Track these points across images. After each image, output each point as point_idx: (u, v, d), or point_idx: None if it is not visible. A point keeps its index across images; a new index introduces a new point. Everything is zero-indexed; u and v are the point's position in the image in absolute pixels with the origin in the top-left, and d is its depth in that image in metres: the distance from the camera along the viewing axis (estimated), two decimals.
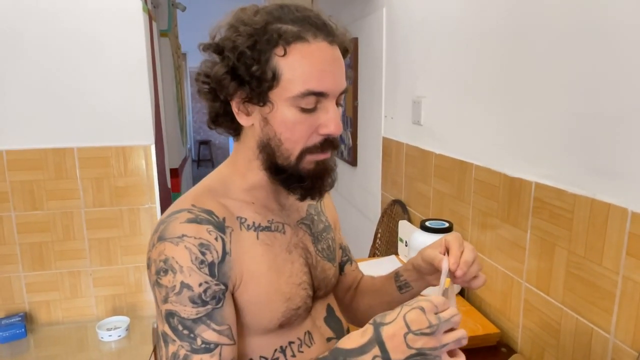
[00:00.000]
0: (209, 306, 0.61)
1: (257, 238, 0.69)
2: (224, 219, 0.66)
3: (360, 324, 0.90)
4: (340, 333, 0.80)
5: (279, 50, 0.63)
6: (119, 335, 1.78)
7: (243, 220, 0.69)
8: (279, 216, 0.74)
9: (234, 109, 0.68)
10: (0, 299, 1.89)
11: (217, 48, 0.66)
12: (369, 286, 0.91)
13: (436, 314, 0.57)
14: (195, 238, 0.62)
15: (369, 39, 2.23)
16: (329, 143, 0.67)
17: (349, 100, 2.56)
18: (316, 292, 0.77)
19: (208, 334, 0.60)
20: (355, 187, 2.60)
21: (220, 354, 0.61)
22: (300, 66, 0.63)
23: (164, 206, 2.07)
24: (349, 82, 2.54)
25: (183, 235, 0.61)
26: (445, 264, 0.70)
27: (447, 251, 0.73)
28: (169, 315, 0.61)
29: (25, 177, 1.83)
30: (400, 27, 1.89)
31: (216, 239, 0.63)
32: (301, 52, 0.63)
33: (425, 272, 0.78)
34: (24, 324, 1.82)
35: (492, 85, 1.27)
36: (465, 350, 1.16)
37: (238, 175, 0.72)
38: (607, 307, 0.90)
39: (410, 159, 1.83)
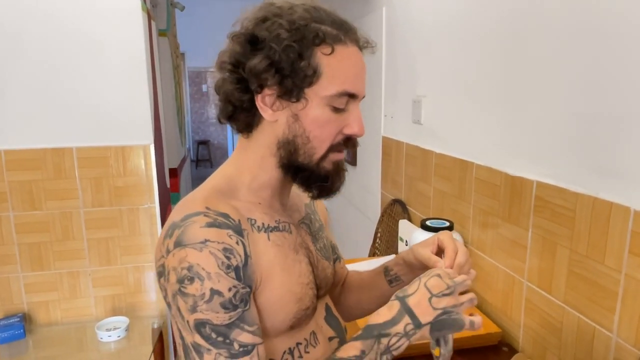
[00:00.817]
0: (239, 310, 0.61)
1: (269, 239, 0.68)
2: (239, 221, 0.65)
3: (348, 319, 0.91)
4: (339, 331, 0.80)
5: (325, 49, 0.64)
6: (119, 336, 1.78)
7: (253, 221, 0.68)
8: (284, 216, 0.74)
9: (259, 103, 0.66)
10: None
11: (253, 38, 0.64)
12: (356, 282, 0.92)
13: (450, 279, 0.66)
14: (218, 243, 0.60)
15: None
16: (351, 143, 0.70)
17: None
18: (319, 292, 0.77)
19: (244, 336, 0.60)
20: (355, 187, 2.60)
21: (258, 354, 0.62)
22: (341, 67, 0.65)
23: (163, 206, 2.06)
24: None
25: (206, 241, 0.60)
26: (440, 266, 0.73)
27: (439, 250, 0.77)
28: (200, 325, 0.59)
29: (24, 177, 1.82)
30: (400, 26, 1.88)
31: (237, 243, 0.62)
32: (342, 54, 0.65)
33: (416, 268, 0.80)
34: (22, 324, 1.81)
35: (493, 84, 1.27)
36: (466, 349, 1.17)
37: (246, 174, 0.71)
38: (609, 306, 0.90)
39: (411, 158, 1.83)
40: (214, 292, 0.59)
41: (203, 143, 8.50)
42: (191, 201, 0.66)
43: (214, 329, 0.59)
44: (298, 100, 0.65)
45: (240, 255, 0.62)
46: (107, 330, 1.79)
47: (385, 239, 2.02)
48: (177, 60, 3.46)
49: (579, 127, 0.96)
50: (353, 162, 2.59)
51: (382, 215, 2.08)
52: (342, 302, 0.93)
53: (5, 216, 1.83)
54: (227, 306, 0.59)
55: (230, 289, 0.60)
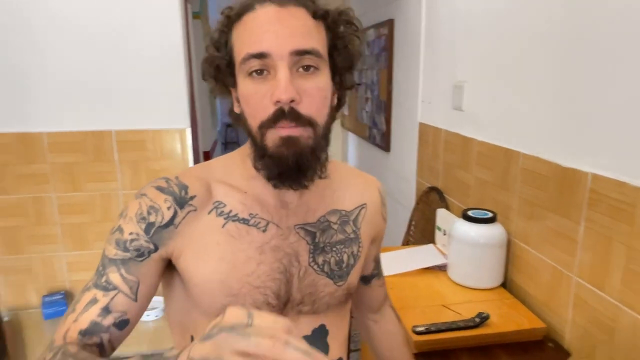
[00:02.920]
0: (128, 254, 0.63)
1: (222, 227, 0.66)
2: (192, 197, 0.66)
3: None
4: None
5: (236, 25, 0.63)
6: (156, 316, 1.82)
7: (220, 205, 0.67)
8: (270, 213, 0.69)
9: (233, 101, 0.68)
10: (44, 277, 1.94)
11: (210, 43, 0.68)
12: (386, 347, 0.92)
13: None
14: (150, 200, 0.65)
15: (406, 21, 2.16)
16: (281, 113, 0.59)
17: (383, 84, 2.51)
18: (287, 304, 0.70)
19: (114, 276, 0.63)
20: (388, 173, 2.56)
21: (112, 298, 0.62)
22: (243, 33, 0.62)
23: None
24: (382, 65, 2.49)
25: (143, 195, 0.66)
26: None
27: None
28: (104, 251, 0.65)
29: (66, 159, 1.87)
30: (441, 8, 1.81)
31: (168, 208, 0.65)
32: (245, 22, 0.62)
33: None
34: (65, 301, 1.87)
35: (543, 69, 1.21)
36: (509, 343, 1.14)
37: (240, 162, 0.70)
38: None
39: (449, 145, 1.78)
40: (118, 228, 0.64)
41: (231, 126, 8.56)
42: (180, 171, 0.71)
43: (103, 258, 0.65)
44: (235, 85, 0.65)
45: (163, 218, 0.64)
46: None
47: (420, 228, 1.99)
48: None
49: None
50: (386, 148, 2.55)
51: (417, 203, 2.04)
52: (371, 338, 0.93)
53: (48, 197, 1.88)
54: (120, 245, 0.63)
55: (131, 234, 0.64)
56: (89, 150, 1.87)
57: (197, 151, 2.22)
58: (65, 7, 1.75)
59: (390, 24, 2.35)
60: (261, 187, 0.68)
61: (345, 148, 3.96)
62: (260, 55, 0.59)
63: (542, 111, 1.23)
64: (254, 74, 0.61)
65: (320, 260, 0.71)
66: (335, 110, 0.69)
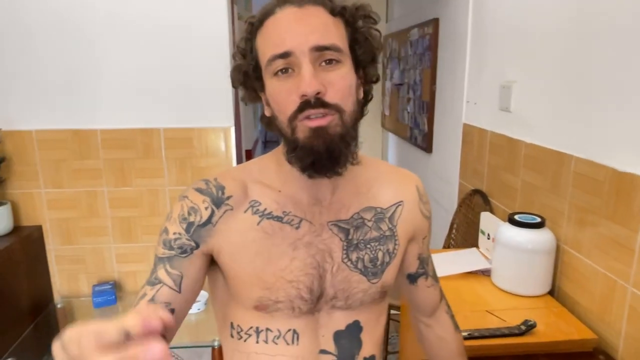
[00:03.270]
0: (172, 252, 0.68)
1: (258, 224, 0.70)
2: (229, 197, 0.70)
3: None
4: (345, 354, 0.74)
5: (260, 31, 0.66)
6: (198, 309, 1.87)
7: (256, 203, 0.71)
8: (303, 211, 0.71)
9: (264, 106, 0.71)
10: (94, 267, 2.04)
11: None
12: (436, 354, 0.91)
13: None
14: (191, 202, 0.69)
15: (452, 19, 2.12)
16: (306, 104, 0.62)
17: (426, 84, 2.47)
18: (320, 299, 0.72)
19: (161, 272, 0.67)
20: (429, 175, 2.52)
21: (157, 291, 0.66)
22: (266, 37, 0.65)
23: None
24: (425, 65, 2.45)
25: (185, 197, 0.70)
26: None
27: None
28: (155, 251, 0.70)
29: (117, 155, 1.95)
30: (489, 6, 1.77)
31: (206, 208, 0.69)
32: (267, 26, 0.65)
33: None
34: (114, 291, 1.96)
35: (599, 69, 1.15)
36: (557, 354, 1.10)
37: (275, 162, 0.73)
38: None
39: (495, 147, 1.74)
40: (164, 230, 0.69)
41: None
42: (219, 172, 0.75)
43: (154, 259, 0.69)
44: (264, 88, 0.68)
45: (201, 217, 0.69)
46: None
47: (462, 231, 1.95)
48: None
49: None
50: (428, 149, 2.51)
51: (459, 206, 2.00)
52: (423, 343, 0.92)
53: (100, 191, 1.97)
54: (166, 245, 0.68)
55: (175, 233, 0.68)
56: (138, 147, 1.95)
57: (240, 149, 2.26)
58: (118, 10, 1.83)
59: (435, 23, 2.31)
60: (295, 186, 0.71)
61: (385, 148, 3.93)
62: (284, 55, 0.62)
63: (595, 113, 1.17)
64: (279, 73, 0.63)
65: (354, 256, 0.72)
66: (363, 104, 0.71)
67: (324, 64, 0.63)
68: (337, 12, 0.65)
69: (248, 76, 0.69)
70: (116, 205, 1.99)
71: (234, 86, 0.73)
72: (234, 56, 0.71)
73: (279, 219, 0.70)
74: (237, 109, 2.18)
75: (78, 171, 1.95)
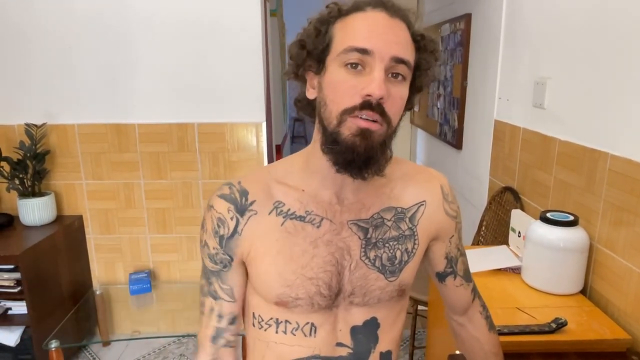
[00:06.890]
0: (218, 267, 0.74)
1: (281, 225, 0.72)
2: (252, 202, 0.72)
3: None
4: (361, 348, 0.76)
5: (341, 19, 0.67)
6: None
7: (280, 204, 0.73)
8: (324, 209, 0.73)
9: (307, 86, 0.72)
10: (131, 256, 2.13)
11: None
12: (469, 353, 0.92)
13: None
14: (217, 212, 0.73)
15: (485, 15, 2.10)
16: (367, 104, 0.64)
17: (457, 80, 2.45)
18: (339, 295, 0.73)
19: (216, 286, 0.75)
20: (459, 171, 2.50)
21: (221, 306, 0.75)
22: (351, 27, 0.66)
23: None
24: (457, 60, 2.43)
25: (211, 207, 0.74)
26: None
27: None
28: (203, 259, 0.76)
29: (153, 148, 2.02)
30: (524, 1, 1.74)
31: (232, 218, 0.72)
32: (355, 18, 0.67)
33: None
34: (149, 279, 2.04)
35: (635, 65, 1.13)
36: (590, 353, 1.09)
37: (302, 162, 0.75)
38: None
39: (527, 144, 1.71)
40: (205, 244, 0.75)
41: (299, 120, 8.71)
42: (244, 173, 0.79)
43: (205, 268, 0.76)
44: (321, 71, 0.68)
45: (229, 229, 0.72)
46: None
47: (492, 229, 1.94)
48: (283, 39, 3.56)
49: None
50: (458, 145, 2.49)
51: (489, 203, 1.98)
52: (457, 341, 0.93)
53: (137, 183, 2.05)
54: (211, 259, 0.74)
55: (214, 248, 0.74)
56: (173, 141, 2.01)
57: (271, 144, 2.31)
58: (154, 10, 1.89)
59: (467, 18, 2.28)
60: (319, 185, 0.73)
61: (414, 144, 3.91)
62: (364, 51, 0.64)
63: (634, 110, 1.15)
64: (349, 66, 0.65)
65: (372, 255, 0.74)
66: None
67: (391, 75, 0.65)
68: (416, 36, 0.69)
69: (310, 54, 0.69)
70: (152, 197, 2.07)
71: (291, 58, 0.73)
72: (303, 31, 0.71)
73: (301, 218, 0.72)
74: (269, 105, 2.22)
75: (116, 164, 2.03)
